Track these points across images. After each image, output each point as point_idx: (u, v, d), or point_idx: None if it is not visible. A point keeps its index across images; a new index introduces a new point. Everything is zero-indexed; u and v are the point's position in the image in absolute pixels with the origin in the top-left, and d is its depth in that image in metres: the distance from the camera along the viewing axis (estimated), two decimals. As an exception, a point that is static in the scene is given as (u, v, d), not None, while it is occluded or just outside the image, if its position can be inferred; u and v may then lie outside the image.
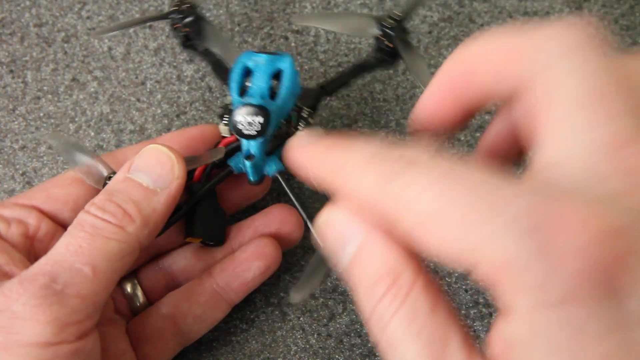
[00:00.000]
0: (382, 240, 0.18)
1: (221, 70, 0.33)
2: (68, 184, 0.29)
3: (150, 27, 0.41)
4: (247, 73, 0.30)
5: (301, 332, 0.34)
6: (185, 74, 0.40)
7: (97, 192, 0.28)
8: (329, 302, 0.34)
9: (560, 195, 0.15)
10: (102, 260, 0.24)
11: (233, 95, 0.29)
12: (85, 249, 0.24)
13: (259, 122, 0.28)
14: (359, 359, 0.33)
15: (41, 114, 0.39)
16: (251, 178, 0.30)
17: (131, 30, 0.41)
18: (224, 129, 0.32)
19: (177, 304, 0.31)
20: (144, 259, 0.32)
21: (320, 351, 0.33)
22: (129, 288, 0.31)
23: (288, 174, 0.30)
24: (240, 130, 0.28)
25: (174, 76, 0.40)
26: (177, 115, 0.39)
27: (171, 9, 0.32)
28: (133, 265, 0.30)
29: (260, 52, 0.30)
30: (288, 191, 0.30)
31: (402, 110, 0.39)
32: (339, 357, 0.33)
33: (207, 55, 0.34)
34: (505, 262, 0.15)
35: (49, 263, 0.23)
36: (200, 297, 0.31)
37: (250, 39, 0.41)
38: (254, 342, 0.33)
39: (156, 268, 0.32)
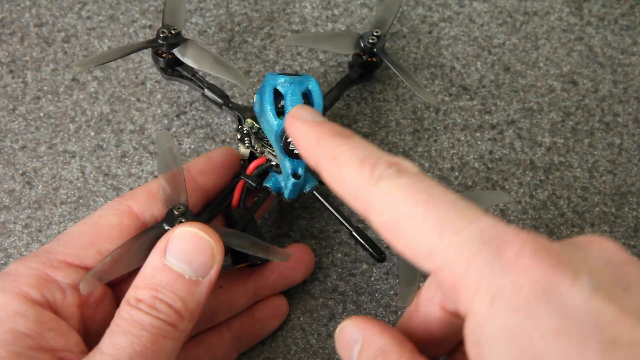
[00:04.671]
0: (378, 333, 0.23)
1: (218, 93, 0.33)
2: (116, 235, 0.27)
3: (150, 27, 0.41)
4: (276, 95, 0.30)
5: (301, 332, 0.34)
6: (185, 74, 0.40)
7: (133, 244, 0.27)
8: (329, 302, 0.34)
9: (508, 224, 0.20)
10: None
11: (270, 118, 0.30)
12: (150, 350, 0.23)
13: None
14: (359, 359, 0.33)
15: (41, 114, 0.39)
16: (290, 196, 0.31)
17: (131, 30, 0.41)
18: (244, 152, 0.33)
19: (198, 357, 0.31)
20: None
21: (320, 351, 0.33)
22: None
23: (324, 190, 0.31)
24: (293, 151, 0.29)
25: (174, 76, 0.40)
26: (177, 115, 0.39)
27: (156, 37, 0.32)
28: None
29: (283, 73, 0.31)
30: (328, 206, 0.32)
31: (402, 110, 0.39)
32: (339, 357, 0.33)
33: (198, 80, 0.34)
34: (468, 264, 0.18)
35: None
36: (219, 350, 0.32)
37: (250, 39, 0.41)
38: (254, 342, 0.33)
39: None
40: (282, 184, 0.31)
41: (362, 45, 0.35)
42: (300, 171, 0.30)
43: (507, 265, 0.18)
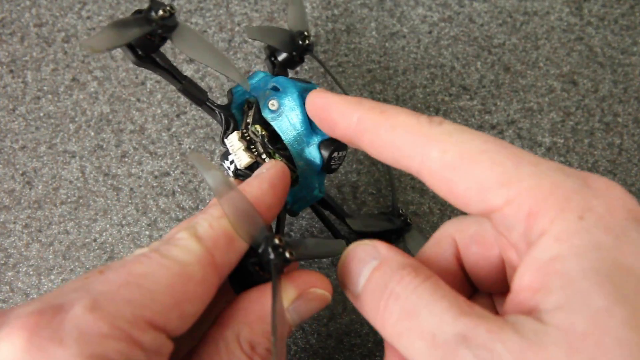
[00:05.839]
0: (401, 254, 0.22)
1: (199, 89, 0.30)
2: (200, 295, 0.22)
3: (150, 27, 0.41)
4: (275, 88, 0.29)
5: (301, 332, 0.34)
6: (185, 73, 0.40)
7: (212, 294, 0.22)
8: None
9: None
10: None
11: (307, 131, 0.28)
12: None
13: (343, 156, 0.28)
14: (359, 359, 0.33)
15: (41, 114, 0.39)
16: (300, 209, 0.30)
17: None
18: (246, 162, 0.29)
19: None
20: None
21: (320, 351, 0.33)
22: None
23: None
24: (332, 165, 0.28)
25: (174, 76, 0.40)
26: (177, 115, 0.39)
27: (146, 16, 0.26)
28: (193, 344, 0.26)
29: (298, 79, 0.29)
30: (324, 222, 0.31)
31: (402, 110, 0.39)
32: (339, 357, 0.33)
33: (174, 73, 0.29)
34: (553, 187, 0.18)
35: None
36: None
37: (250, 39, 0.41)
38: (254, 342, 0.33)
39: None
40: (300, 195, 0.29)
41: (298, 43, 0.34)
42: (324, 189, 0.29)
43: (596, 192, 0.18)
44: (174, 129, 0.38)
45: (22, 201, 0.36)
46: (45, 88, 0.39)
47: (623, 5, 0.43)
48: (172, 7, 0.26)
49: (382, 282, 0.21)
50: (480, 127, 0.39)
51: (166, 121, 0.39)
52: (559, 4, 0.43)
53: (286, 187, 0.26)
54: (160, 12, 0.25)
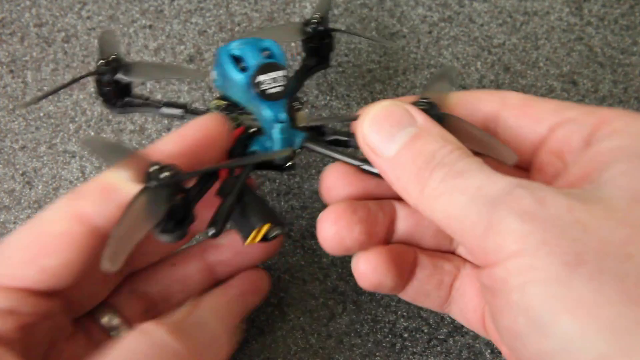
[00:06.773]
0: (438, 124, 0.22)
1: (176, 105, 0.32)
2: (64, 247, 0.22)
3: (150, 27, 0.41)
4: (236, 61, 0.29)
5: (301, 332, 0.34)
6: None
7: (92, 250, 0.23)
8: (329, 302, 0.34)
9: None
10: None
11: (235, 76, 0.28)
12: None
13: (283, 76, 0.27)
14: (359, 359, 0.33)
15: (41, 114, 0.39)
16: (279, 148, 0.29)
17: (131, 30, 0.41)
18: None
19: (170, 287, 0.30)
20: (115, 283, 0.29)
21: (320, 351, 0.33)
22: (106, 319, 0.27)
23: (313, 141, 0.29)
24: (266, 90, 0.27)
25: (174, 76, 0.40)
26: (177, 115, 0.39)
27: (97, 66, 0.30)
28: (105, 293, 0.28)
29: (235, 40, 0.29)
30: (327, 153, 0.29)
31: (402, 110, 0.39)
32: (339, 357, 0.33)
33: (151, 103, 0.32)
34: (626, 113, 0.22)
35: None
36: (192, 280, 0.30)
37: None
38: (254, 342, 0.33)
39: (130, 294, 0.29)
40: (269, 143, 0.28)
41: (309, 29, 0.33)
42: (283, 115, 0.28)
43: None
44: (173, 129, 0.38)
45: (22, 201, 0.36)
46: (45, 88, 0.39)
47: (623, 5, 0.43)
48: (113, 54, 0.30)
49: (427, 151, 0.21)
50: (480, 127, 0.39)
51: (166, 121, 0.39)
52: (559, 4, 0.43)
53: (205, 137, 0.25)
54: (101, 61, 0.30)
